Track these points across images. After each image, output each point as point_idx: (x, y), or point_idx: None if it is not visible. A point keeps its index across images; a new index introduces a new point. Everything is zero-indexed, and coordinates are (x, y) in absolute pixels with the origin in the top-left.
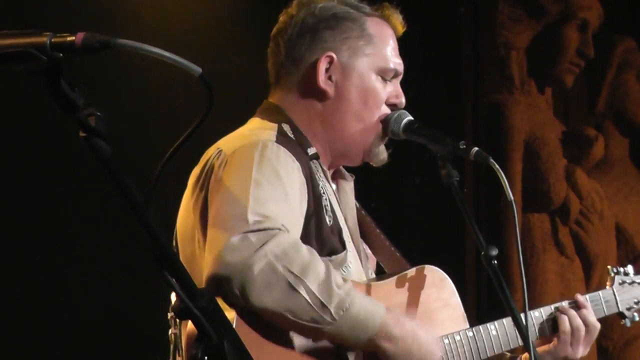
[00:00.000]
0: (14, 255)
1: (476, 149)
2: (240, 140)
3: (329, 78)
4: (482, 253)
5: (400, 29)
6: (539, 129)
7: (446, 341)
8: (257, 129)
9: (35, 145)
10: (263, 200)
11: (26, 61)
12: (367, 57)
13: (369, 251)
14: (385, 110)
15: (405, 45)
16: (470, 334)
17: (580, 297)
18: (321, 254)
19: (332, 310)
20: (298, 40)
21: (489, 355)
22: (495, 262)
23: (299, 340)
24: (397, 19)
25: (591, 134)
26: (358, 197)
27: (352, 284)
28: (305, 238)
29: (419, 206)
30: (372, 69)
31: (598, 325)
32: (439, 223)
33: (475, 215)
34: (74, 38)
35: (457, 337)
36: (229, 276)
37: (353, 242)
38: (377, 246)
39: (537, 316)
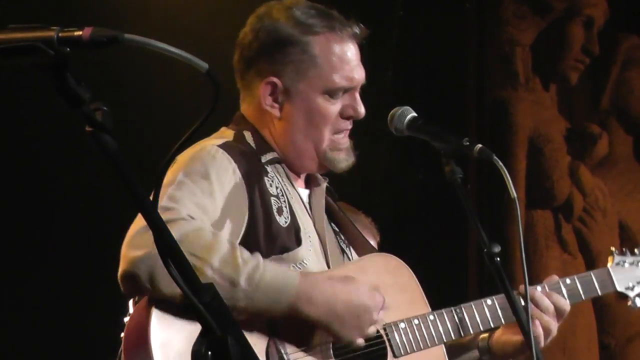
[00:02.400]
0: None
1: (480, 145)
2: (191, 149)
3: (275, 100)
4: (485, 250)
5: (358, 34)
6: (543, 125)
7: (402, 325)
8: (213, 137)
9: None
10: (176, 198)
11: (33, 55)
12: (310, 79)
13: (354, 254)
14: (339, 124)
15: (409, 41)
16: (432, 317)
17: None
18: (272, 252)
19: (243, 285)
20: (247, 63)
21: (453, 338)
22: (498, 259)
23: None
24: (349, 30)
25: (595, 131)
26: (360, 194)
27: (260, 257)
28: (251, 236)
29: (422, 202)
30: (316, 89)
31: (567, 307)
32: (441, 219)
33: (478, 212)
34: (81, 33)
35: (416, 321)
36: (135, 272)
37: (321, 242)
38: (358, 245)
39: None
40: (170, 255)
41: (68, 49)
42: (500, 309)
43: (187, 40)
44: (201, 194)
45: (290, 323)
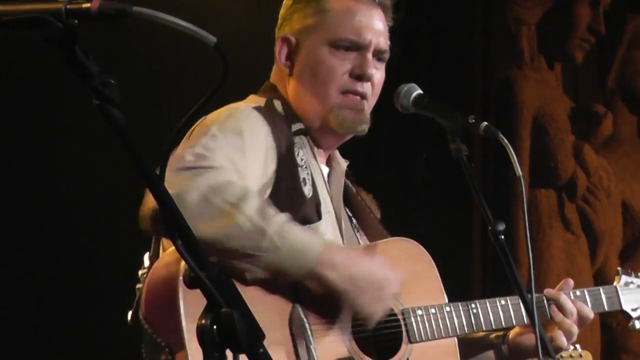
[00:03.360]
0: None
1: (485, 123)
2: (223, 108)
3: (288, 59)
4: (490, 228)
5: (377, 2)
6: (548, 104)
7: (419, 312)
8: (244, 102)
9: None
10: (210, 148)
11: (41, 27)
12: (319, 31)
13: (365, 239)
14: (349, 83)
15: (415, 19)
16: (448, 309)
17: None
18: (295, 221)
19: (272, 236)
20: (277, 31)
21: (467, 332)
22: (502, 236)
23: (257, 291)
24: None
25: (600, 111)
26: (364, 172)
27: (289, 216)
28: (276, 202)
29: (427, 180)
30: (322, 41)
31: (591, 315)
32: (446, 197)
33: (482, 190)
34: (89, 5)
35: (432, 310)
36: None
37: (337, 220)
38: (371, 231)
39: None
40: (177, 228)
41: (76, 21)
42: (513, 309)
43: (194, 15)
44: (233, 149)
45: (314, 293)
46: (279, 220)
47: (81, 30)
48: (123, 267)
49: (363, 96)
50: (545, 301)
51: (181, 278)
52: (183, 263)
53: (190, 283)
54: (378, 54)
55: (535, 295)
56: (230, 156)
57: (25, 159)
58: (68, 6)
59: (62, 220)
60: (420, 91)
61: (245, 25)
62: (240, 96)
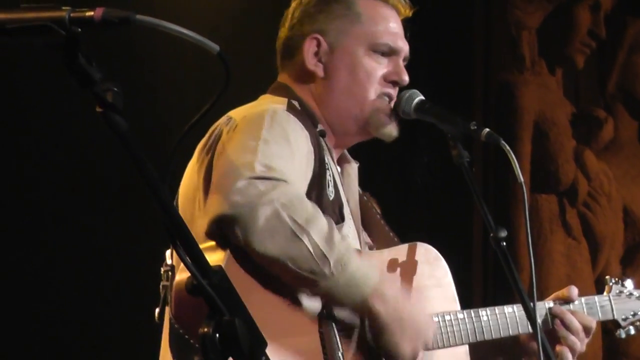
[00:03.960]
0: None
1: (487, 130)
2: (251, 109)
3: (319, 60)
4: (491, 234)
5: (402, 9)
6: (549, 109)
7: (435, 319)
8: (268, 102)
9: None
10: (270, 156)
11: (45, 35)
12: (355, 34)
13: (368, 239)
14: (384, 87)
15: (415, 24)
16: (461, 315)
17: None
18: None
19: (332, 263)
20: (291, 29)
21: (478, 339)
22: (504, 243)
23: (289, 291)
24: (397, 0)
25: (601, 116)
26: (365, 176)
27: (351, 244)
28: None
29: (427, 185)
30: (361, 44)
31: (594, 324)
32: (447, 202)
33: (483, 196)
34: (92, 13)
35: (447, 317)
36: (234, 216)
37: (353, 221)
38: (377, 234)
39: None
40: (178, 235)
41: (79, 29)
42: (519, 317)
43: (195, 22)
44: (286, 156)
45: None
46: (341, 249)
47: (84, 36)
48: (144, 264)
49: (392, 101)
50: (548, 311)
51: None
52: (225, 258)
53: (193, 291)
54: (404, 61)
55: (538, 303)
56: (286, 163)
57: (37, 156)
58: (71, 14)
59: (80, 217)
60: (421, 97)
61: (246, 30)
62: (242, 102)
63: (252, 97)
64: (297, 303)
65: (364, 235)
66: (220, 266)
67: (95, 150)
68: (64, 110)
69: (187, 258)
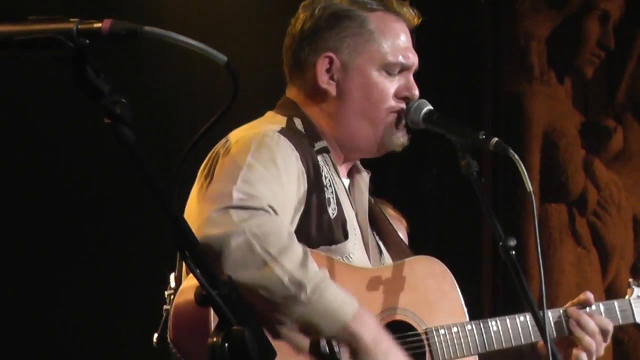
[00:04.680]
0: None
1: (496, 139)
2: (246, 131)
3: (331, 77)
4: (501, 244)
5: (412, 19)
6: (558, 119)
7: (442, 332)
8: (266, 121)
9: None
10: (252, 182)
11: (53, 47)
12: (368, 53)
13: (386, 254)
14: (395, 103)
15: (424, 35)
16: (469, 327)
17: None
18: (322, 242)
19: (308, 291)
20: (301, 42)
21: (488, 349)
22: (514, 252)
23: (270, 320)
24: (406, 11)
25: (610, 125)
26: (375, 187)
27: (327, 273)
28: (304, 225)
29: (436, 196)
30: (374, 64)
31: (611, 327)
32: (456, 213)
33: (492, 205)
34: (100, 25)
35: (455, 329)
36: (205, 248)
37: (362, 236)
38: (390, 242)
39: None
40: (188, 246)
41: (87, 41)
42: (532, 325)
43: (203, 33)
44: (272, 180)
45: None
46: (318, 276)
47: (93, 48)
48: (149, 288)
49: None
50: (562, 316)
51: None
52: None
53: (202, 301)
54: (414, 72)
55: (552, 310)
56: (271, 187)
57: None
58: (79, 26)
59: (89, 241)
60: (430, 107)
61: (254, 42)
62: (250, 114)
63: (262, 108)
64: (277, 334)
65: (379, 242)
66: (229, 276)
67: (103, 164)
68: (73, 112)
69: (197, 269)
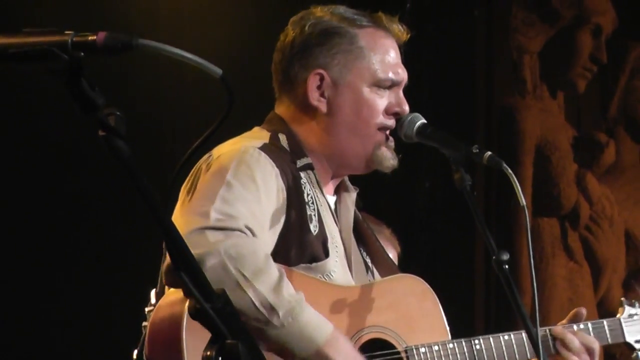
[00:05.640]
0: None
1: (489, 153)
2: (228, 146)
3: (322, 94)
4: (494, 258)
5: (401, 35)
6: (551, 133)
7: (422, 350)
8: (249, 137)
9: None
10: (230, 201)
11: (47, 60)
12: (358, 70)
13: (375, 270)
14: (385, 120)
15: (417, 48)
16: (451, 345)
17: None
18: (302, 260)
19: (281, 314)
20: (291, 59)
21: None
22: (507, 266)
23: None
24: (395, 27)
25: (602, 139)
26: (367, 202)
27: (303, 297)
28: (284, 242)
29: (429, 210)
30: (365, 81)
31: (596, 345)
32: (448, 227)
33: (485, 219)
34: (95, 37)
35: (435, 347)
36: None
37: (346, 253)
38: (377, 258)
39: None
40: (181, 260)
41: (82, 54)
42: (517, 345)
43: (195, 45)
44: (251, 199)
45: None
46: (292, 300)
47: (87, 60)
48: (130, 304)
49: (392, 131)
50: (549, 336)
51: (185, 317)
52: (188, 302)
53: (195, 315)
54: (405, 86)
55: (540, 329)
56: (249, 206)
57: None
58: (74, 39)
59: (70, 255)
60: (423, 120)
61: (246, 55)
62: (241, 128)
63: (253, 121)
64: None
65: (367, 259)
66: (223, 290)
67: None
68: (70, 114)
69: (190, 282)
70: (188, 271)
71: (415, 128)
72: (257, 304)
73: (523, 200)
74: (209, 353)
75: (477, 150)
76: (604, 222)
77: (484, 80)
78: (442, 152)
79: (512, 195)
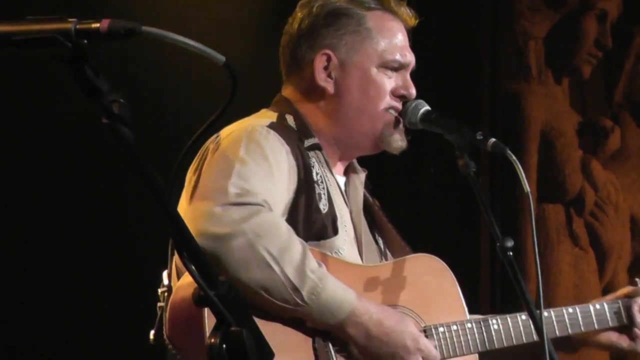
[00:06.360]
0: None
1: (493, 139)
2: (236, 126)
3: (329, 75)
4: (498, 244)
5: (409, 20)
6: (555, 119)
7: (441, 329)
8: (257, 117)
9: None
10: (246, 176)
11: (51, 47)
12: (366, 51)
13: (388, 251)
14: (392, 101)
15: (422, 34)
16: (469, 325)
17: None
18: (309, 237)
19: (304, 294)
20: (299, 40)
21: (488, 348)
22: (511, 253)
23: (271, 315)
24: (403, 11)
25: (607, 125)
26: (372, 187)
27: (325, 270)
28: (292, 219)
29: (434, 196)
30: (372, 62)
31: None
32: (453, 213)
33: (490, 206)
34: (99, 25)
35: (454, 327)
36: (205, 246)
37: (355, 234)
38: (390, 240)
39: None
40: (185, 246)
41: (85, 41)
42: (534, 324)
43: (200, 32)
44: (265, 175)
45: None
46: (314, 278)
47: (91, 48)
48: (142, 285)
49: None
50: (622, 307)
51: None
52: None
53: (199, 302)
54: (410, 72)
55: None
56: (264, 182)
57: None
58: (77, 26)
59: (80, 239)
60: (427, 107)
61: (251, 40)
62: (247, 112)
63: (259, 106)
64: (289, 320)
65: (381, 242)
66: (227, 276)
67: (95, 160)
68: (78, 110)
69: (194, 268)
70: (192, 258)
71: (419, 114)
72: (285, 283)
73: (527, 187)
74: (213, 340)
75: (482, 137)
76: (609, 208)
77: (489, 65)
78: (446, 139)
79: (517, 181)
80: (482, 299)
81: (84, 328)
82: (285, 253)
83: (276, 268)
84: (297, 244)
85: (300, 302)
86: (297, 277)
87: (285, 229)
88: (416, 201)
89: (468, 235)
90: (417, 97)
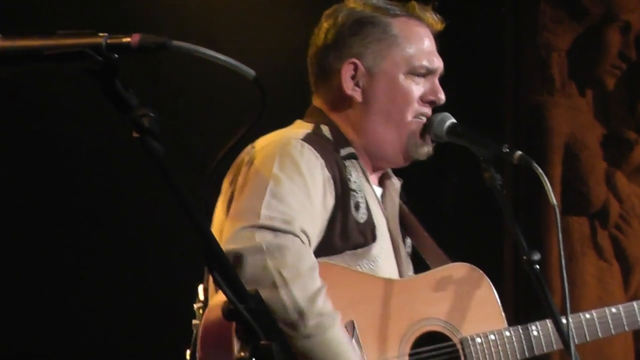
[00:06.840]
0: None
1: (520, 152)
2: (271, 138)
3: (356, 84)
4: (525, 257)
5: (435, 24)
6: (579, 131)
7: (478, 340)
8: (292, 129)
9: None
10: (280, 196)
11: (82, 61)
12: (392, 58)
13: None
14: (421, 107)
15: (445, 46)
16: (507, 333)
17: None
18: (346, 248)
19: (309, 324)
20: (325, 50)
21: (528, 356)
22: (538, 266)
23: None
24: (429, 16)
25: (631, 137)
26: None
27: (339, 316)
28: (331, 231)
29: (457, 206)
30: (400, 69)
31: None
32: (477, 223)
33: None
34: (129, 39)
35: (492, 337)
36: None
37: (393, 243)
38: (427, 249)
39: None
40: (216, 261)
41: (116, 55)
42: (575, 328)
43: (225, 44)
44: (300, 193)
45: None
46: (324, 316)
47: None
48: (177, 300)
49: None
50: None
51: None
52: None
53: (229, 315)
54: (439, 77)
55: (571, 322)
56: (300, 200)
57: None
58: (108, 40)
59: (118, 253)
60: (453, 120)
61: (280, 51)
62: (278, 125)
63: (290, 119)
64: None
65: (409, 251)
66: (257, 290)
67: (131, 173)
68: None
69: (224, 283)
70: (221, 271)
71: (445, 127)
72: (288, 306)
73: (554, 200)
74: (242, 354)
75: (508, 150)
76: (633, 221)
77: (512, 78)
78: (472, 151)
79: (541, 193)
80: (506, 311)
81: (123, 345)
82: (299, 280)
83: (283, 290)
84: (316, 280)
85: (303, 331)
86: (307, 304)
87: (309, 263)
88: (439, 211)
89: (492, 248)
90: (441, 109)
